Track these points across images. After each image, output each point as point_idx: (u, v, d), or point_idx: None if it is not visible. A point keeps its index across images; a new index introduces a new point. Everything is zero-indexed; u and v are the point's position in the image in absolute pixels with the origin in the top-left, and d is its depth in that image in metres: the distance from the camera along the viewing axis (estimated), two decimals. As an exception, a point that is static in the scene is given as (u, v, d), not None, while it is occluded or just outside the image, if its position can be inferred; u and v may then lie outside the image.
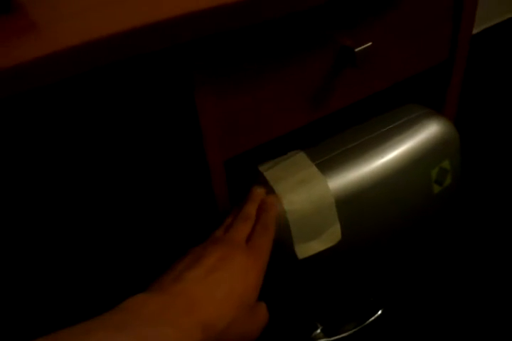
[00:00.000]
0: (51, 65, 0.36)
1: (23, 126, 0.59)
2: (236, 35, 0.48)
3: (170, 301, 0.42)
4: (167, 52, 0.45)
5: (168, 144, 0.63)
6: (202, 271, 0.46)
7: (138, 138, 0.64)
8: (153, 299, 0.42)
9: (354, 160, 0.63)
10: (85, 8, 0.41)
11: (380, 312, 0.79)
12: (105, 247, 0.72)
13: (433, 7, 0.63)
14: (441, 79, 0.72)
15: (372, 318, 0.78)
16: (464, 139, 0.71)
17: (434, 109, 0.71)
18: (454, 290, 1.01)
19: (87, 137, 0.63)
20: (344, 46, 0.57)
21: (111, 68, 0.41)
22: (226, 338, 0.44)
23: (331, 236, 0.62)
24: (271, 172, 0.61)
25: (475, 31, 1.59)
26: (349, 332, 0.76)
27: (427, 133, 0.67)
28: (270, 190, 0.59)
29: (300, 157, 0.63)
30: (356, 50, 0.55)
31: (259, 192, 0.59)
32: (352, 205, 0.62)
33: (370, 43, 0.55)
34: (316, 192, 0.60)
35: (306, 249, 0.61)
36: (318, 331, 0.75)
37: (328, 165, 0.63)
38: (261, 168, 0.62)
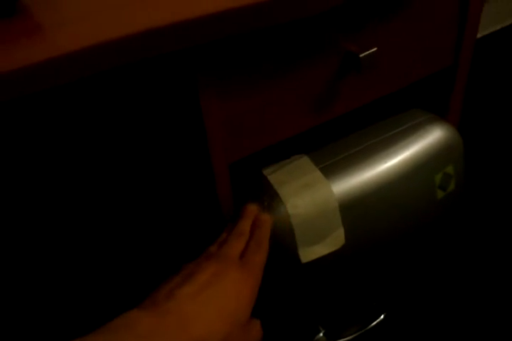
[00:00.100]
0: (56, 69, 0.37)
1: (29, 127, 0.59)
2: (242, 38, 0.49)
3: (162, 318, 0.42)
4: (172, 54, 0.45)
5: (173, 147, 0.63)
6: (195, 288, 0.45)
7: (143, 141, 0.64)
8: (145, 316, 0.42)
9: (358, 165, 0.63)
10: (91, 11, 0.42)
11: (382, 316, 0.79)
12: (108, 248, 0.72)
13: (438, 13, 0.63)
14: (445, 84, 0.73)
15: (375, 323, 0.78)
16: (467, 145, 0.71)
17: (438, 114, 0.71)
18: (457, 295, 1.01)
19: (92, 139, 0.63)
20: (349, 51, 0.57)
21: (116, 71, 0.41)
22: None
23: (334, 241, 0.62)
24: (275, 175, 0.61)
25: (478, 36, 1.59)
26: (351, 337, 0.76)
27: (430, 138, 0.67)
28: (274, 194, 0.59)
29: (304, 161, 0.63)
30: (361, 55, 0.55)
31: (252, 209, 0.59)
32: (355, 210, 0.63)
33: (375, 49, 0.56)
34: (320, 196, 0.60)
35: (309, 253, 0.61)
36: (321, 334, 0.75)
37: (332, 169, 0.63)
38: (265, 172, 0.62)
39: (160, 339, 0.40)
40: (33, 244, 0.67)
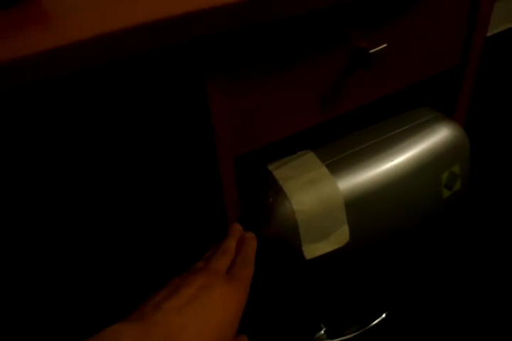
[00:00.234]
0: (62, 58, 0.36)
1: (32, 124, 0.59)
2: (251, 32, 0.48)
3: (149, 331, 0.42)
4: (181, 47, 0.45)
5: (180, 140, 0.63)
6: (182, 301, 0.45)
7: (149, 132, 0.64)
8: (132, 329, 0.42)
9: (364, 162, 0.63)
10: (100, 0, 0.41)
11: (384, 315, 0.79)
12: (112, 242, 0.71)
13: (448, 11, 0.63)
14: (452, 83, 0.72)
15: (376, 321, 0.78)
16: (473, 144, 0.71)
17: (445, 113, 0.71)
18: (460, 295, 1.00)
19: (98, 132, 0.63)
20: (358, 47, 0.56)
21: (123, 63, 0.41)
22: None
23: (339, 238, 0.61)
24: (280, 171, 0.61)
25: (487, 35, 1.58)
26: (352, 335, 0.75)
27: (437, 137, 0.67)
28: (279, 189, 0.59)
29: (310, 157, 0.63)
30: (371, 51, 0.55)
31: (237, 228, 0.59)
32: (360, 207, 0.62)
33: (385, 45, 0.55)
34: (326, 192, 0.59)
35: (313, 250, 0.61)
36: (322, 332, 0.75)
37: (338, 166, 0.62)
38: (270, 167, 0.62)
39: None
40: (33, 244, 0.67)
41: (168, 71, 0.54)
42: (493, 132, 1.37)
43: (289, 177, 0.60)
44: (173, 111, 0.59)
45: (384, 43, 0.56)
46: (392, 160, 0.64)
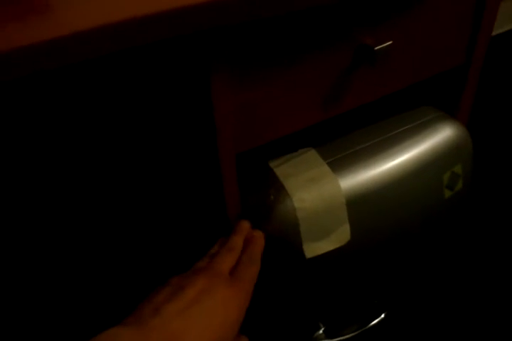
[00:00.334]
0: (63, 48, 0.35)
1: (34, 121, 0.58)
2: (256, 26, 0.48)
3: (145, 336, 0.41)
4: (185, 39, 0.44)
5: (181, 136, 0.62)
6: (181, 305, 0.44)
7: (149, 128, 0.63)
8: (129, 333, 0.41)
9: (366, 161, 0.63)
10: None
11: (383, 315, 0.78)
12: (112, 239, 0.71)
13: (454, 10, 0.63)
14: (456, 82, 0.72)
15: (375, 321, 0.77)
16: (476, 144, 0.71)
17: (448, 112, 0.71)
18: (460, 296, 1.00)
19: (98, 126, 0.62)
20: (363, 44, 0.56)
21: (125, 55, 0.40)
22: None
23: (339, 237, 0.61)
24: (281, 168, 0.61)
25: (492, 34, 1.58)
26: (351, 335, 0.75)
27: (440, 136, 0.67)
28: (280, 187, 0.59)
29: (311, 155, 0.62)
30: (376, 48, 0.54)
31: (245, 225, 0.58)
32: (362, 206, 0.62)
33: (390, 42, 0.55)
34: (327, 190, 0.59)
35: (314, 248, 0.60)
36: (321, 332, 0.74)
37: (340, 164, 0.62)
38: (271, 164, 0.61)
39: None
40: (33, 244, 0.66)
41: (171, 64, 0.53)
42: (496, 132, 1.36)
43: (290, 174, 0.60)
44: (175, 105, 0.58)
45: (389, 40, 0.55)
46: (393, 160, 0.63)
